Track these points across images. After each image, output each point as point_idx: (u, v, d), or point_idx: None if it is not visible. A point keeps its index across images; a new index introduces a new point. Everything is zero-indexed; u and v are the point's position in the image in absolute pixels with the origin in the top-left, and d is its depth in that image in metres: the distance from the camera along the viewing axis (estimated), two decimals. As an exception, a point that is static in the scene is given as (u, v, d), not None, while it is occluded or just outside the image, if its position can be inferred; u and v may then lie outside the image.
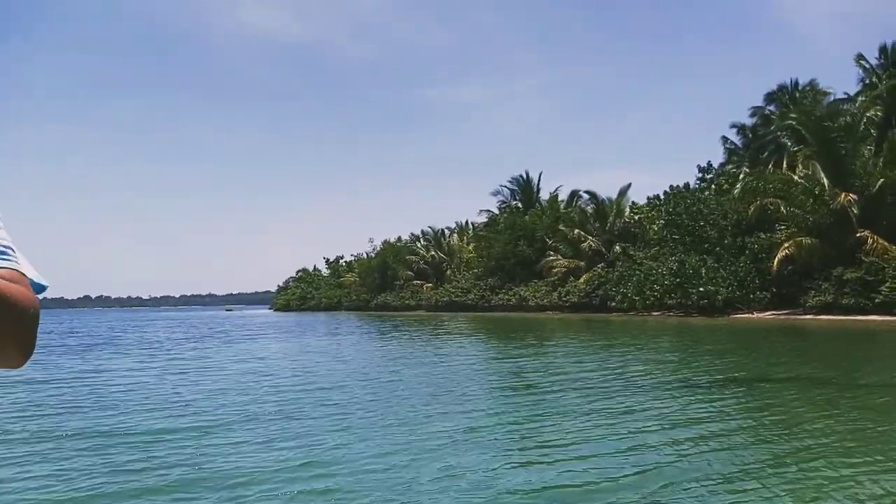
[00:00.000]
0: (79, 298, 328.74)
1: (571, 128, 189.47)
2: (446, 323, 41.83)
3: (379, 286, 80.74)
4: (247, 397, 10.78)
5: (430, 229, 79.52)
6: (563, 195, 62.99)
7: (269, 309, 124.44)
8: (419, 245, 79.00)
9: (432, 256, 74.84)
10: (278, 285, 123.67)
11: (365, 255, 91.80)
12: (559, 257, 54.91)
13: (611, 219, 53.86)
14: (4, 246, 0.81)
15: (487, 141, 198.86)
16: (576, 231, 54.09)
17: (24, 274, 0.80)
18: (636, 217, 53.24)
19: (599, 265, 51.13)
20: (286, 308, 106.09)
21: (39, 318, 0.79)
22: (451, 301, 65.33)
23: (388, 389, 11.48)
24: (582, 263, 52.94)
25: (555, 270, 54.52)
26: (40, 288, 0.83)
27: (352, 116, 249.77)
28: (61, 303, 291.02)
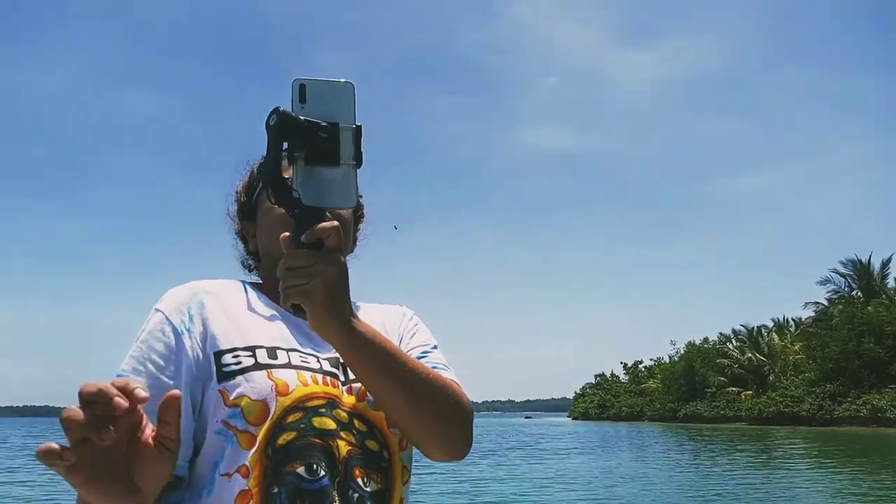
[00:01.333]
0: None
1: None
2: (792, 442, 34.78)
3: (686, 394, 73.15)
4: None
5: (742, 328, 70.70)
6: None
7: (567, 417, 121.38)
8: (731, 346, 70.35)
9: (749, 359, 65.73)
10: (575, 392, 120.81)
11: (667, 359, 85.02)
12: (926, 357, 43.64)
13: None
14: (438, 362, 1.19)
15: (797, 228, 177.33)
16: (947, 323, 42.79)
17: (456, 382, 1.14)
18: None
19: None
20: (585, 416, 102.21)
21: (473, 416, 1.14)
22: (779, 412, 55.74)
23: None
24: (962, 364, 41.25)
25: (922, 374, 43.29)
26: None
27: (637, 218, 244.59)
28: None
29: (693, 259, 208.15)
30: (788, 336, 65.68)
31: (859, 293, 54.94)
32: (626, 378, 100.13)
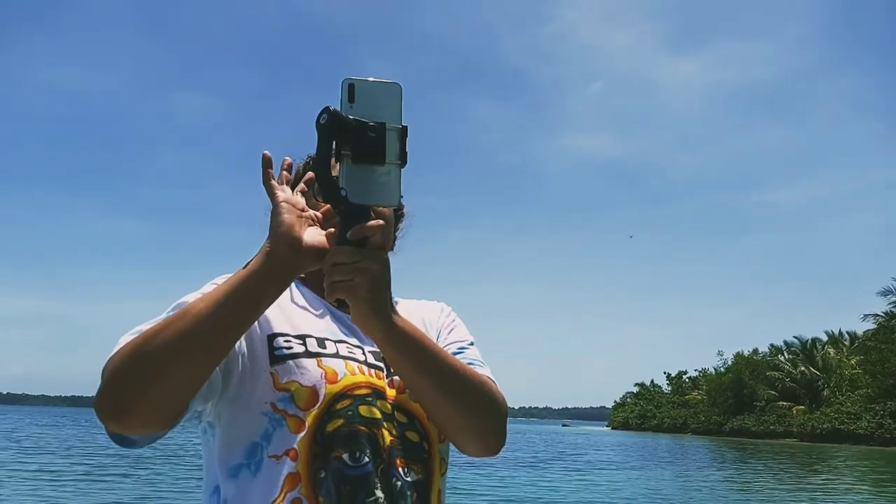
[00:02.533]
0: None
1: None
2: (850, 462, 32.46)
3: (733, 407, 70.20)
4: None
5: (795, 340, 67.56)
6: None
7: (606, 426, 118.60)
8: (782, 359, 67.27)
9: (802, 373, 62.67)
10: (615, 401, 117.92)
11: (713, 370, 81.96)
12: None
13: None
14: (474, 359, 1.21)
15: (851, 239, 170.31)
16: None
17: (491, 378, 1.17)
18: None
19: None
20: (624, 426, 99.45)
21: (507, 413, 1.16)
22: (834, 429, 52.80)
23: None
24: None
25: None
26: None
27: (686, 226, 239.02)
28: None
29: (741, 269, 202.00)
30: (844, 350, 62.45)
31: (923, 305, 51.74)
32: (669, 388, 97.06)
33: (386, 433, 1.07)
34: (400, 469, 1.06)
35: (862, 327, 58.86)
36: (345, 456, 1.03)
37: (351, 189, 0.91)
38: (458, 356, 1.16)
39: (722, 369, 77.72)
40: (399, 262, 1.07)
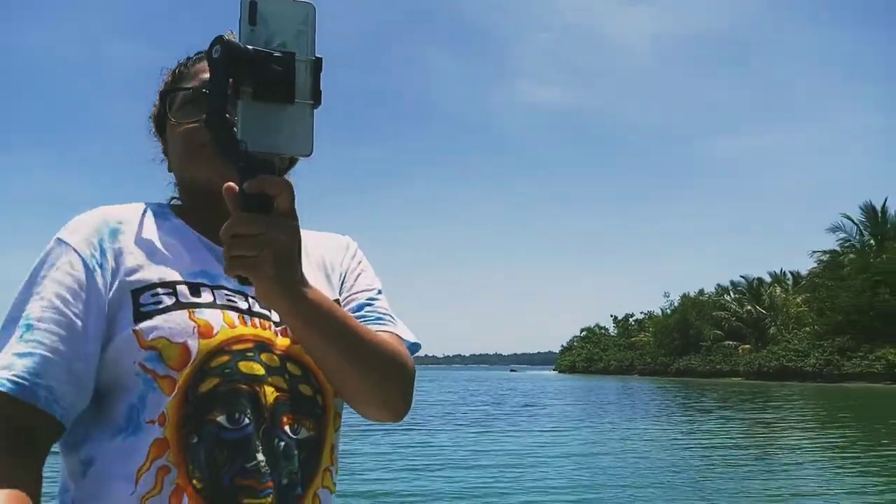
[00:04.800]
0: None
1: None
2: (799, 399, 30.62)
3: (679, 348, 69.47)
4: None
5: (742, 279, 66.58)
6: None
7: (553, 370, 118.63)
8: (728, 298, 66.33)
9: (748, 312, 61.74)
10: (562, 345, 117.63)
11: (659, 312, 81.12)
12: (950, 309, 39.59)
13: None
14: (384, 313, 1.08)
15: (798, 188, 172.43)
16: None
17: (399, 336, 1.05)
18: None
19: None
20: (571, 370, 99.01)
21: (415, 375, 1.05)
22: (782, 367, 51.97)
23: None
24: None
25: (945, 327, 39.31)
26: (415, 347, 1.09)
27: (633, 174, 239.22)
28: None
29: (690, 216, 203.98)
30: (789, 289, 61.74)
31: (872, 241, 50.68)
32: (616, 331, 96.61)
33: (270, 390, 0.92)
34: (286, 427, 0.93)
35: (805, 266, 58.12)
36: (220, 418, 0.89)
37: (250, 133, 0.72)
38: (367, 308, 1.06)
39: (668, 311, 76.88)
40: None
